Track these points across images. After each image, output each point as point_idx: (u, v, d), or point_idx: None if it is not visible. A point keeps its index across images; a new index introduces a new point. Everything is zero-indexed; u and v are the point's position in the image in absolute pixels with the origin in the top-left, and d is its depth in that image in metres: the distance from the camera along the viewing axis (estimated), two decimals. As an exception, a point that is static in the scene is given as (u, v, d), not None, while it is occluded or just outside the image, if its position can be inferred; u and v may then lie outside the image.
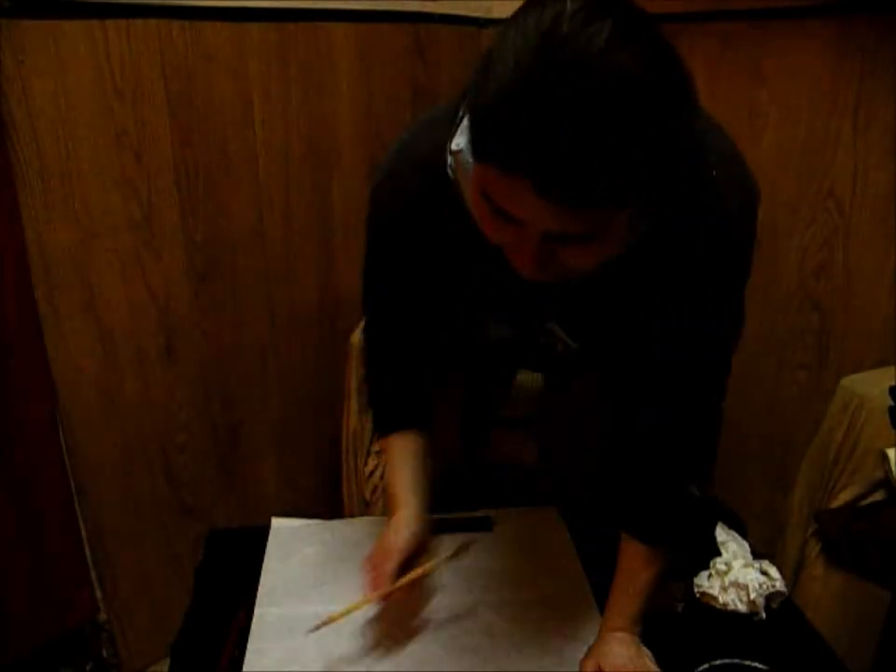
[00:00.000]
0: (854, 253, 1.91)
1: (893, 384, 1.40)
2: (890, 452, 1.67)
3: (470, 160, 0.76)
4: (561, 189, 0.69)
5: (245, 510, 2.17)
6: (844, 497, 1.75)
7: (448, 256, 1.03)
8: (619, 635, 1.08)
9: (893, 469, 1.65)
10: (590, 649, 1.10)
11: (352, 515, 1.85)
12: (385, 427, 1.25)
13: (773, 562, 1.25)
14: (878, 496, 1.72)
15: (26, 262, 1.63)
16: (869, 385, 1.74)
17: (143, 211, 1.78)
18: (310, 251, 2.13)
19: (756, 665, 1.02)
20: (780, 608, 1.21)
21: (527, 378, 1.54)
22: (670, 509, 1.09)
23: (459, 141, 0.83)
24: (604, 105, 0.66)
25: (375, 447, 1.62)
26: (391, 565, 1.09)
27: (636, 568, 1.10)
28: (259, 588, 1.26)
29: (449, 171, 0.88)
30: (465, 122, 0.80)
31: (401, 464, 1.21)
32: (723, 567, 1.21)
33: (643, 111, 0.67)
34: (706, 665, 1.02)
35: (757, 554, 1.26)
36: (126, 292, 1.81)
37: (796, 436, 2.06)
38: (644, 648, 1.10)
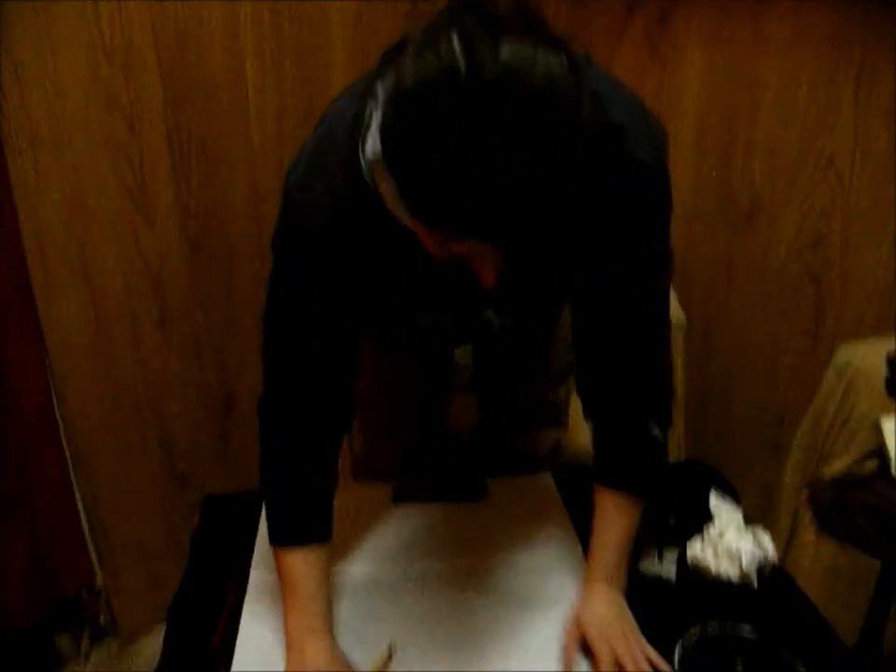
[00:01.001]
0: (852, 223, 1.90)
1: (889, 353, 1.40)
2: (884, 422, 1.67)
3: (392, 181, 0.72)
4: (518, 240, 0.69)
5: (239, 476, 2.17)
6: (837, 467, 1.75)
7: (375, 265, 0.97)
8: (601, 592, 1.10)
9: (887, 439, 1.66)
10: (574, 609, 1.11)
11: (344, 482, 1.85)
12: (284, 540, 1.08)
13: (765, 530, 1.25)
14: (871, 465, 1.72)
15: (17, 230, 1.62)
16: (865, 354, 1.74)
17: (136, 179, 1.77)
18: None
19: (747, 631, 1.03)
20: (772, 575, 1.22)
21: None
22: (632, 450, 1.11)
23: (373, 147, 0.77)
24: (537, 147, 0.64)
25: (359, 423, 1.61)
26: None
27: (610, 518, 1.12)
28: (255, 553, 1.26)
29: (364, 175, 0.82)
30: (374, 126, 0.75)
31: (314, 589, 1.06)
32: (716, 535, 1.21)
33: (571, 142, 0.66)
34: (697, 631, 1.03)
35: (750, 522, 1.27)
36: (119, 261, 1.80)
37: (790, 405, 2.07)
38: (628, 610, 1.11)
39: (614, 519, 1.12)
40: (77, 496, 1.88)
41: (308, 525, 1.08)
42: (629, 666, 1.02)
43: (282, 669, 1.04)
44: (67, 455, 1.84)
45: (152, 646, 1.99)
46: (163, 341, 1.93)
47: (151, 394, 1.95)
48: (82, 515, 1.90)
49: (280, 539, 1.08)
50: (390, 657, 1.07)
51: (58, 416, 1.80)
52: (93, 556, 1.95)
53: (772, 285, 2.02)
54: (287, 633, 1.05)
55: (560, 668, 1.05)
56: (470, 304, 1.07)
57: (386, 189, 0.76)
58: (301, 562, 1.07)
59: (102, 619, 2.06)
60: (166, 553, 2.05)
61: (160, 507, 2.05)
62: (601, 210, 0.85)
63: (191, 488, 2.07)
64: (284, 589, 1.07)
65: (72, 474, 1.86)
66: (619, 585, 1.12)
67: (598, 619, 1.08)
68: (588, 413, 1.15)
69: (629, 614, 1.11)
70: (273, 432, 1.08)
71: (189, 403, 2.03)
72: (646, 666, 1.02)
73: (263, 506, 1.13)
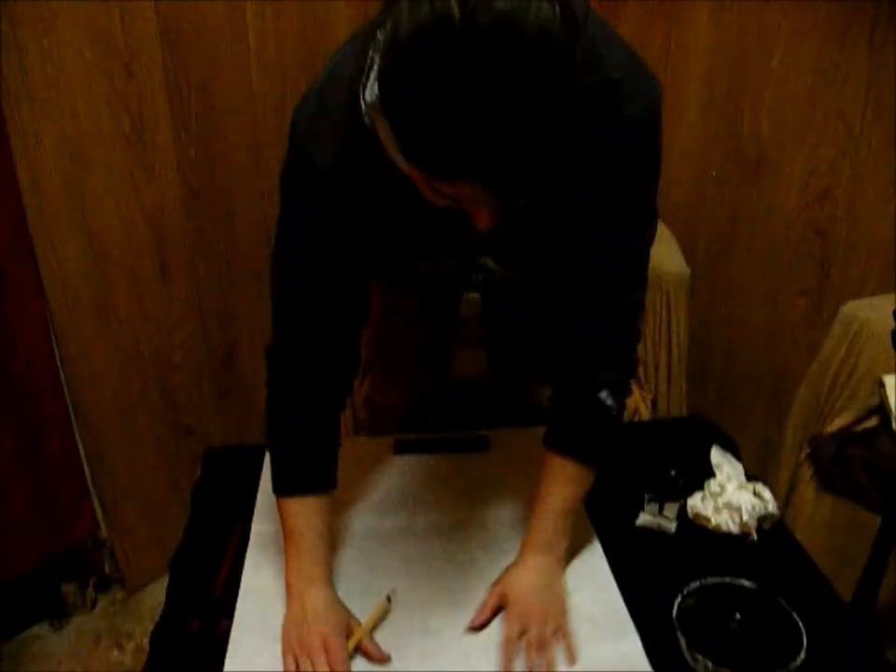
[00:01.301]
0: (860, 177, 1.87)
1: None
2: (887, 378, 1.67)
3: (388, 124, 0.73)
4: (511, 185, 0.71)
5: (241, 428, 2.18)
6: (838, 423, 1.75)
7: (375, 210, 0.97)
8: (531, 559, 1.10)
9: (889, 395, 1.66)
10: (504, 571, 1.11)
11: (346, 434, 1.86)
12: (287, 489, 1.09)
13: (765, 484, 1.26)
14: (872, 422, 1.72)
15: (15, 178, 1.60)
16: (870, 310, 1.73)
17: (134, 126, 1.74)
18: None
19: (746, 583, 1.03)
20: (771, 529, 1.22)
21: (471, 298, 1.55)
22: (584, 417, 1.09)
23: (372, 91, 0.79)
24: (531, 96, 0.65)
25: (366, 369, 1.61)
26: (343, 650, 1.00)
27: (555, 486, 1.11)
28: (256, 505, 1.27)
29: (365, 119, 0.82)
30: (374, 72, 0.77)
31: (316, 538, 1.07)
32: (717, 489, 1.22)
33: (564, 93, 0.67)
34: (696, 584, 1.04)
35: (750, 477, 1.28)
36: (119, 210, 1.78)
37: (793, 362, 2.06)
38: (559, 581, 1.10)
39: (559, 487, 1.11)
40: (80, 447, 1.89)
41: (311, 475, 1.09)
42: (529, 651, 1.01)
43: (282, 622, 1.05)
44: (69, 406, 1.84)
45: (156, 595, 2.02)
46: (164, 292, 1.92)
47: (152, 346, 1.94)
48: (85, 467, 1.91)
49: (283, 488, 1.09)
50: (389, 606, 1.07)
51: (60, 369, 1.79)
52: (97, 507, 1.96)
53: (777, 239, 2.00)
54: (287, 582, 1.06)
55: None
56: (469, 251, 1.07)
57: (384, 133, 0.77)
58: (303, 511, 1.08)
59: (107, 569, 2.08)
60: (169, 504, 2.07)
61: (162, 459, 2.06)
62: (591, 161, 0.86)
63: (193, 440, 2.08)
64: (285, 538, 1.08)
65: (74, 426, 1.86)
66: (556, 555, 1.11)
67: (521, 590, 1.07)
68: (549, 375, 1.14)
69: (558, 587, 1.10)
70: (281, 380, 1.08)
71: (191, 355, 2.03)
72: (550, 656, 1.01)
73: (267, 455, 1.14)
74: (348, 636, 1.01)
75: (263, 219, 2.03)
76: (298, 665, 0.98)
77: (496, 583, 1.10)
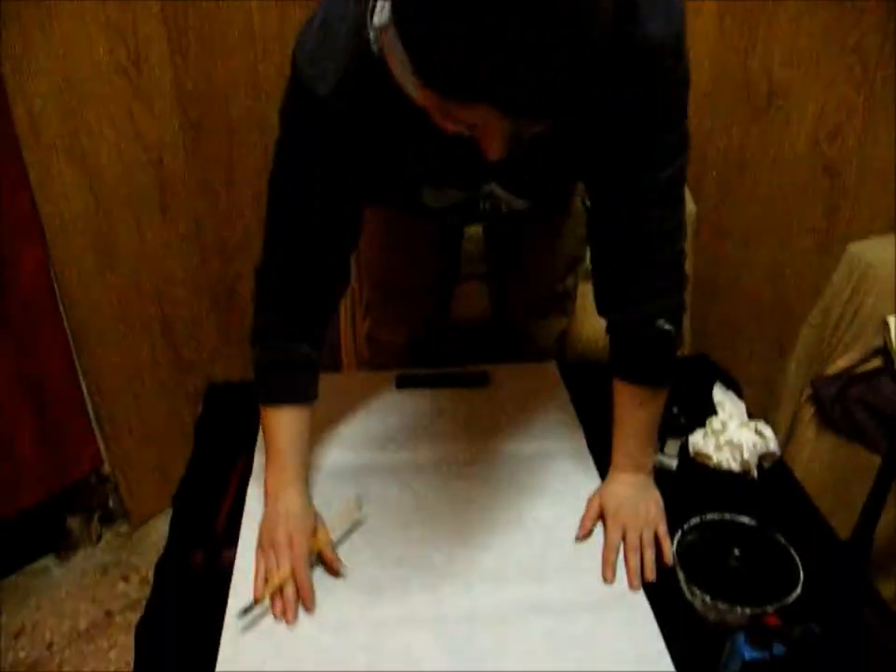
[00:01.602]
0: (873, 115, 1.83)
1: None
2: (891, 319, 1.66)
3: (401, 48, 0.70)
4: (528, 108, 0.68)
5: (243, 365, 2.17)
6: (841, 364, 1.75)
7: (379, 128, 0.96)
8: (624, 476, 1.15)
9: (893, 336, 1.65)
10: (597, 488, 1.16)
11: (350, 370, 1.86)
12: (270, 397, 1.12)
13: (766, 423, 1.26)
14: (875, 363, 1.72)
15: (8, 110, 1.56)
16: (877, 251, 1.71)
17: (130, 55, 1.70)
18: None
19: (745, 520, 1.04)
20: (772, 468, 1.23)
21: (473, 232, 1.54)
22: (645, 343, 1.10)
23: (382, 16, 0.75)
24: (553, 16, 0.62)
25: (368, 304, 1.61)
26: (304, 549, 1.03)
27: (630, 411, 1.14)
28: (259, 438, 1.27)
29: (373, 47, 0.81)
30: None
31: (289, 446, 1.11)
32: (719, 427, 1.22)
33: (586, 13, 0.64)
34: (696, 520, 1.04)
35: (752, 416, 1.27)
36: (117, 143, 1.75)
37: (797, 302, 2.05)
38: (653, 490, 1.15)
39: (634, 411, 1.14)
40: (83, 383, 1.89)
41: (291, 387, 1.12)
42: (628, 552, 1.06)
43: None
44: (70, 342, 1.83)
45: (161, 529, 2.04)
46: (164, 227, 1.90)
47: (153, 280, 1.93)
48: (87, 402, 1.91)
49: (264, 398, 1.12)
50: (359, 515, 1.11)
51: (60, 304, 1.78)
52: (101, 443, 1.97)
53: (786, 177, 1.97)
54: (265, 486, 1.10)
55: (560, 552, 1.08)
56: (476, 179, 1.05)
57: (394, 58, 0.74)
58: (281, 420, 1.11)
59: (111, 503, 2.11)
60: (172, 439, 2.08)
61: (165, 394, 2.06)
62: (613, 84, 0.83)
63: (196, 375, 2.08)
64: (265, 446, 1.12)
65: (76, 361, 1.86)
66: (645, 470, 1.16)
67: (616, 498, 1.12)
68: (600, 308, 1.14)
69: (653, 494, 1.14)
70: (268, 298, 1.11)
71: (191, 290, 2.01)
72: (647, 557, 1.06)
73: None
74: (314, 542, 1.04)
75: (265, 154, 2.00)
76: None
77: (593, 497, 1.15)
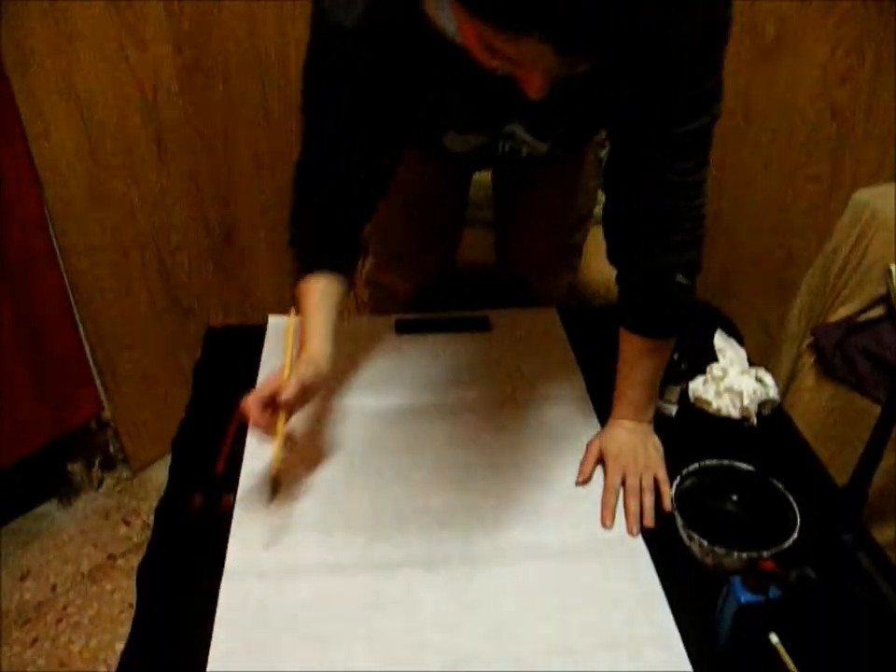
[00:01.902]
0: (884, 59, 1.79)
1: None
2: (895, 267, 1.65)
3: None
4: (578, 43, 0.67)
5: (242, 309, 2.18)
6: (843, 312, 1.74)
7: (405, 65, 0.96)
8: (626, 423, 1.15)
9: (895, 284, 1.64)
10: (598, 433, 1.17)
11: (349, 315, 1.85)
12: (308, 264, 1.14)
13: (767, 370, 1.25)
14: (878, 312, 1.71)
15: (-1, 53, 1.53)
16: (883, 198, 1.69)
17: (123, -7, 1.65)
18: (306, 45, 1.99)
19: (744, 466, 1.04)
20: (771, 414, 1.23)
21: (481, 179, 1.52)
22: (659, 297, 1.10)
23: None
24: None
25: (372, 248, 1.59)
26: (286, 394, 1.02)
27: (636, 360, 1.14)
28: (258, 383, 1.27)
29: None
30: None
31: (317, 309, 1.12)
32: (719, 374, 1.22)
33: None
34: (695, 466, 1.05)
35: (753, 363, 1.27)
36: (111, 85, 1.71)
37: (800, 250, 2.03)
38: (653, 437, 1.16)
39: (641, 361, 1.14)
40: (81, 329, 1.88)
41: (319, 258, 1.14)
42: (628, 497, 1.07)
43: (285, 494, 1.07)
44: (68, 288, 1.82)
45: (161, 474, 2.05)
46: (160, 171, 1.87)
47: (150, 227, 1.91)
48: (86, 349, 1.91)
49: (304, 265, 1.14)
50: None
51: (56, 252, 1.76)
52: (99, 388, 1.97)
53: (792, 122, 1.93)
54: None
55: (559, 497, 1.09)
56: (500, 121, 1.05)
57: None
58: (307, 287, 1.13)
59: (111, 449, 2.12)
60: (172, 384, 2.08)
61: (163, 339, 2.06)
62: (660, 28, 0.82)
63: (194, 320, 2.07)
64: (303, 312, 1.14)
65: (74, 308, 1.85)
66: (646, 419, 1.17)
67: (617, 443, 1.13)
68: (613, 258, 1.13)
69: (654, 441, 1.15)
70: (305, 189, 1.14)
71: (189, 236, 2.00)
72: (647, 502, 1.07)
73: (268, 333, 1.25)
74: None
75: (262, 97, 1.96)
76: None
77: (592, 441, 1.15)
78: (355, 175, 1.10)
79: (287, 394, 0.99)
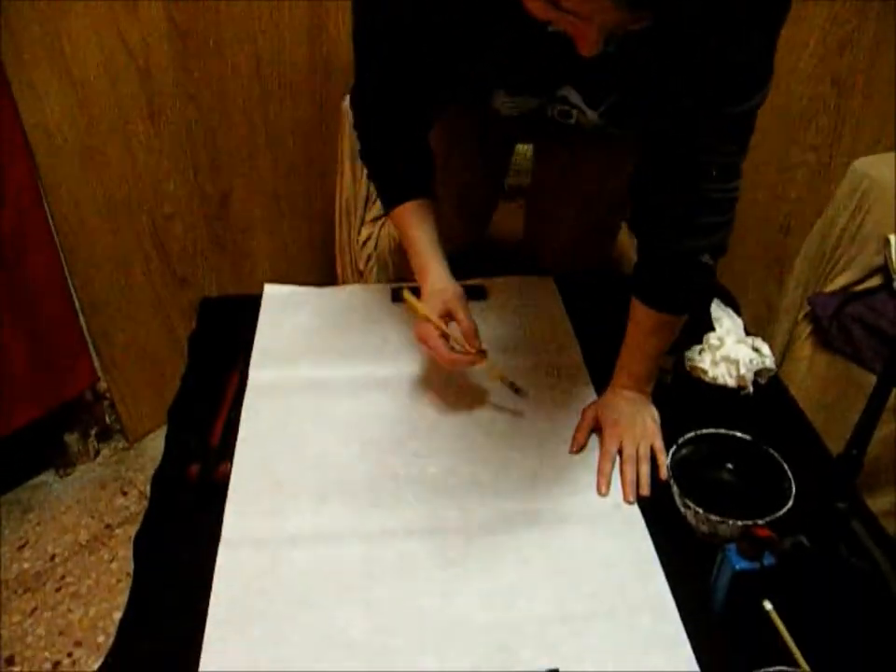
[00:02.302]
0: (886, 26, 1.76)
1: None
2: (893, 237, 1.64)
3: None
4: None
5: (237, 279, 2.17)
6: (840, 282, 1.74)
7: (456, 20, 0.95)
8: (625, 392, 1.15)
9: (893, 254, 1.63)
10: (594, 401, 1.17)
11: (345, 284, 1.84)
12: (392, 200, 1.19)
13: (763, 340, 1.25)
14: (874, 281, 1.71)
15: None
16: (881, 167, 1.68)
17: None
18: (300, 8, 1.96)
19: (739, 435, 1.04)
20: (767, 384, 1.23)
21: (521, 148, 1.50)
22: (682, 275, 1.09)
23: None
24: None
25: (369, 216, 1.57)
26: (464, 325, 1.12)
27: (646, 333, 1.13)
28: (253, 353, 1.27)
29: None
30: None
31: (417, 233, 1.17)
32: (716, 342, 1.22)
33: None
34: (691, 434, 1.05)
35: (749, 332, 1.27)
36: (102, 51, 1.68)
37: (797, 220, 2.02)
38: (651, 407, 1.15)
39: (648, 336, 1.13)
40: (75, 300, 1.87)
41: (406, 184, 1.18)
42: (625, 465, 1.08)
43: (280, 467, 1.08)
44: (62, 258, 1.81)
45: (158, 444, 2.05)
46: (154, 139, 1.85)
47: (144, 196, 1.89)
48: (81, 319, 1.90)
49: (387, 204, 1.20)
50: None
51: (49, 219, 1.75)
52: (95, 359, 1.97)
53: (791, 90, 1.91)
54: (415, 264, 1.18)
55: (555, 465, 1.09)
56: (552, 83, 1.05)
57: None
58: (405, 215, 1.18)
59: (108, 419, 2.12)
60: (167, 354, 2.08)
61: (158, 310, 2.05)
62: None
63: (189, 290, 2.07)
64: (404, 246, 1.21)
65: (68, 279, 1.84)
66: (646, 391, 1.16)
67: (614, 411, 1.13)
68: (636, 228, 1.12)
69: (651, 411, 1.15)
70: (367, 117, 1.18)
71: (183, 205, 1.98)
72: (643, 470, 1.07)
73: (263, 302, 1.27)
74: (448, 309, 1.12)
75: (256, 63, 1.94)
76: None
77: (588, 409, 1.16)
78: (409, 102, 1.14)
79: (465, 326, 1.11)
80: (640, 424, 1.12)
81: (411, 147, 1.19)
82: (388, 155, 1.19)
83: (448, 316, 1.11)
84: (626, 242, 1.16)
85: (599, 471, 1.08)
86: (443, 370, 1.20)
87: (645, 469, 1.07)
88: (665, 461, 1.07)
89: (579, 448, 1.12)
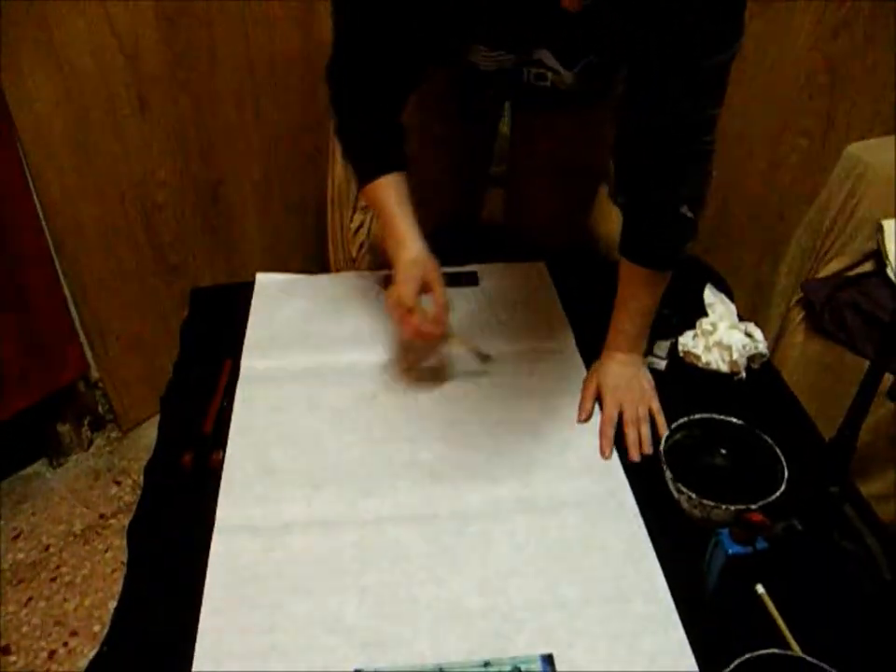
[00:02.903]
0: (880, 9, 1.76)
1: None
2: (886, 223, 1.64)
3: None
4: None
5: (229, 268, 2.16)
6: (833, 268, 1.74)
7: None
8: (618, 355, 1.18)
9: (887, 240, 1.63)
10: (591, 368, 1.20)
11: (338, 272, 1.83)
12: (366, 174, 1.19)
13: (756, 325, 1.25)
14: (867, 267, 1.71)
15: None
16: (875, 152, 1.68)
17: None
18: (290, -6, 1.95)
19: (733, 420, 1.05)
20: (760, 369, 1.23)
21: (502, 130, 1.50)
22: (664, 228, 1.11)
23: None
24: None
25: (361, 203, 1.56)
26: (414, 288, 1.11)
27: (634, 291, 1.16)
28: (245, 341, 1.27)
29: None
30: None
31: (396, 206, 1.17)
32: (709, 328, 1.22)
33: None
34: (685, 419, 1.05)
35: (742, 317, 1.27)
36: (90, 39, 1.67)
37: (791, 205, 2.02)
38: (645, 370, 1.19)
39: (639, 293, 1.16)
40: (65, 289, 1.86)
41: (382, 158, 1.18)
42: (627, 426, 1.11)
43: (273, 455, 1.08)
44: (51, 247, 1.80)
45: (151, 433, 2.05)
46: (144, 127, 1.84)
47: (134, 184, 1.88)
48: (72, 308, 1.89)
49: (361, 178, 1.20)
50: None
51: (38, 207, 1.74)
52: (87, 349, 1.96)
53: (785, 75, 1.91)
54: (387, 250, 1.17)
55: (548, 451, 1.09)
56: (530, 42, 1.06)
57: None
58: (379, 190, 1.18)
59: (100, 409, 2.11)
60: (159, 343, 2.07)
61: (150, 298, 2.04)
62: None
63: (181, 279, 2.06)
64: (377, 217, 1.21)
65: (58, 268, 1.83)
66: (639, 350, 1.19)
67: (612, 377, 1.16)
68: (620, 187, 1.14)
69: (645, 374, 1.18)
70: (342, 89, 1.17)
71: (174, 194, 1.97)
72: (644, 431, 1.11)
73: (255, 292, 1.27)
74: (428, 282, 1.12)
75: (246, 48, 1.93)
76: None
77: (589, 377, 1.19)
78: (384, 72, 1.13)
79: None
80: (637, 387, 1.15)
81: (386, 120, 1.19)
82: (364, 128, 1.19)
83: (424, 289, 1.12)
84: (615, 224, 1.17)
85: (602, 434, 1.11)
86: (433, 354, 1.21)
87: (645, 430, 1.11)
88: (663, 421, 1.11)
89: (587, 416, 1.14)
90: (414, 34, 1.07)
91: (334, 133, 1.23)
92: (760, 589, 0.88)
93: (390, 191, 1.17)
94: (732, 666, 0.78)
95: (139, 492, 1.08)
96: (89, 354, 1.97)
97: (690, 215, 1.09)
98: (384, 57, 1.12)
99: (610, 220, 1.26)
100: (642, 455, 1.09)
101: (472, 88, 1.35)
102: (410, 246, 1.14)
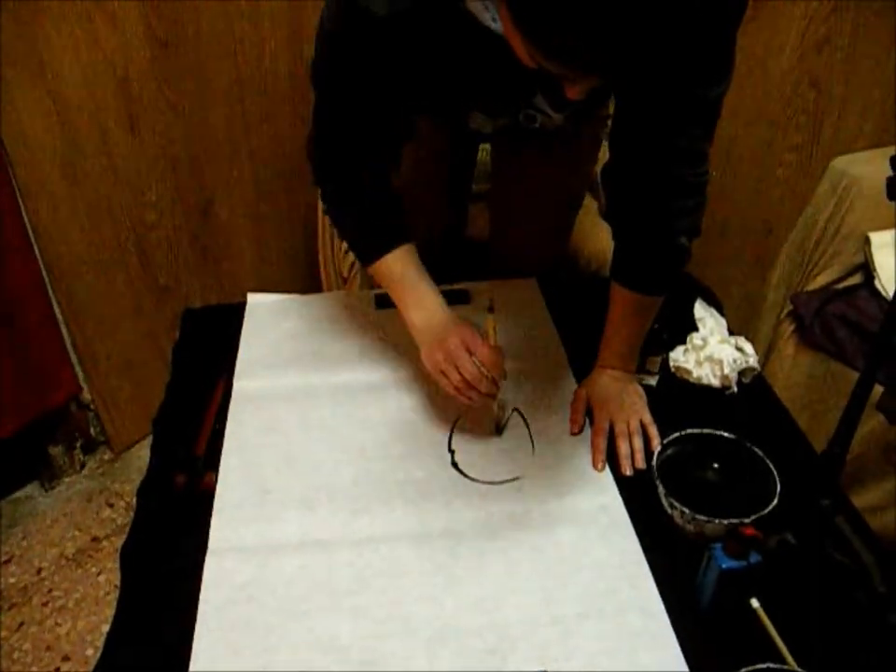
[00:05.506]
0: (863, 24, 1.78)
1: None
2: (873, 235, 1.66)
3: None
4: (618, 75, 0.75)
5: (220, 288, 2.16)
6: (821, 281, 1.76)
7: (433, 51, 0.97)
8: (609, 371, 1.18)
9: (874, 252, 1.65)
10: (582, 382, 1.20)
11: (329, 291, 1.84)
12: (372, 253, 1.16)
13: (747, 339, 1.26)
14: (855, 279, 1.72)
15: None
16: (861, 166, 1.69)
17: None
18: (280, 17, 1.96)
19: (725, 434, 1.05)
20: (751, 383, 1.23)
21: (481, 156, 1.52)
22: (659, 257, 1.11)
23: None
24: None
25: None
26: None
27: (626, 314, 1.16)
28: (238, 362, 1.27)
29: None
30: None
31: (413, 271, 1.14)
32: (700, 343, 1.22)
33: None
34: (676, 434, 1.05)
35: (733, 332, 1.28)
36: (80, 60, 1.68)
37: (779, 219, 2.03)
38: (635, 384, 1.19)
39: (629, 318, 1.16)
40: (57, 310, 1.86)
41: (388, 233, 1.15)
42: (619, 440, 1.11)
43: (266, 475, 1.08)
44: (42, 270, 1.80)
45: (143, 455, 2.04)
46: (134, 148, 1.84)
47: (125, 205, 1.88)
48: (63, 330, 1.89)
49: (369, 256, 1.16)
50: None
51: (29, 230, 1.74)
52: (79, 371, 1.96)
53: (770, 91, 1.93)
54: (410, 323, 1.14)
55: (540, 467, 1.09)
56: (526, 97, 1.07)
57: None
58: (393, 265, 1.14)
59: (92, 431, 2.10)
60: (151, 365, 2.07)
61: (141, 320, 2.04)
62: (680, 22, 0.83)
63: (172, 300, 2.06)
64: (393, 293, 1.16)
65: (49, 289, 1.83)
66: (629, 368, 1.19)
67: (602, 389, 1.16)
68: (611, 216, 1.15)
69: (636, 387, 1.18)
70: (326, 166, 1.15)
71: (165, 214, 1.97)
72: (636, 443, 1.11)
73: (247, 312, 1.25)
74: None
75: (236, 72, 1.93)
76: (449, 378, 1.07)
77: (578, 390, 1.19)
78: (375, 142, 1.11)
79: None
80: (628, 401, 1.15)
81: (382, 189, 1.16)
82: (361, 205, 1.15)
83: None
84: (607, 244, 1.17)
85: (594, 447, 1.11)
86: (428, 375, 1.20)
87: (638, 443, 1.11)
88: (655, 433, 1.11)
89: (579, 428, 1.14)
90: (412, 104, 1.08)
91: (324, 214, 1.20)
92: (754, 603, 0.88)
93: (408, 264, 1.15)
94: (727, 681, 0.78)
95: (132, 514, 1.08)
96: (80, 375, 1.96)
97: (686, 244, 1.10)
98: (373, 127, 1.09)
99: (598, 238, 1.26)
100: (635, 470, 1.09)
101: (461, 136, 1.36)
102: (447, 310, 1.13)
